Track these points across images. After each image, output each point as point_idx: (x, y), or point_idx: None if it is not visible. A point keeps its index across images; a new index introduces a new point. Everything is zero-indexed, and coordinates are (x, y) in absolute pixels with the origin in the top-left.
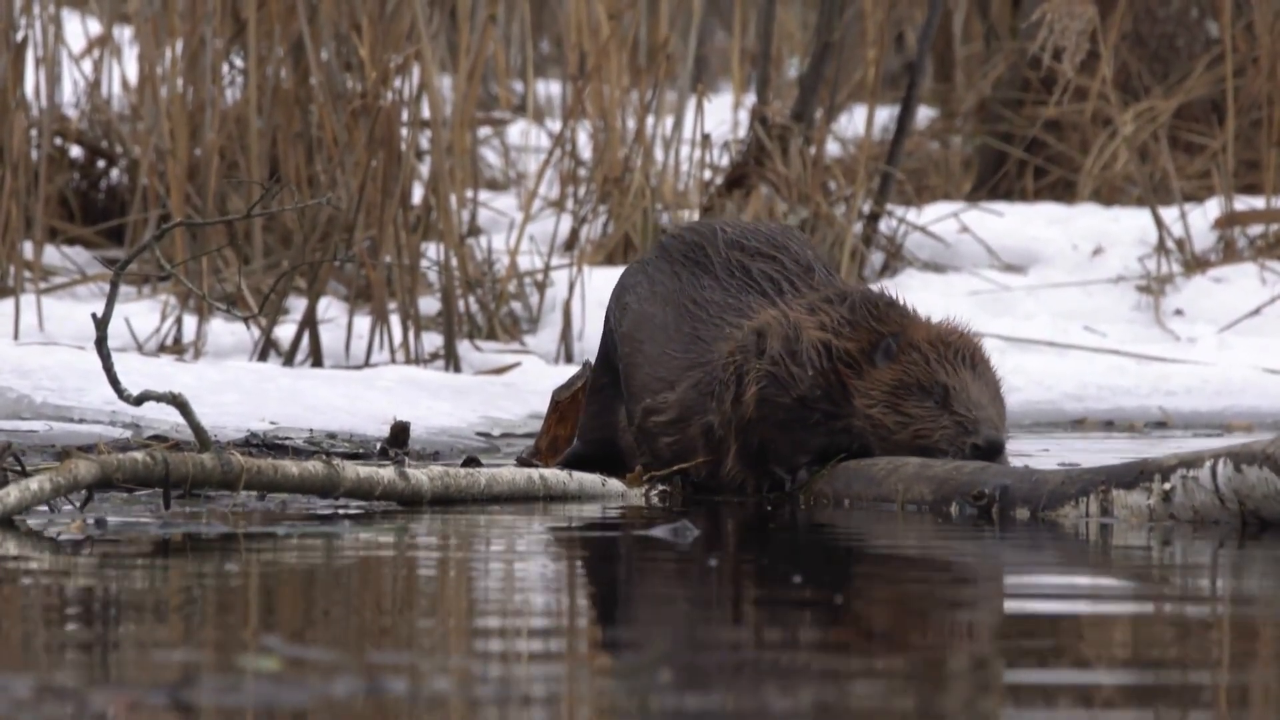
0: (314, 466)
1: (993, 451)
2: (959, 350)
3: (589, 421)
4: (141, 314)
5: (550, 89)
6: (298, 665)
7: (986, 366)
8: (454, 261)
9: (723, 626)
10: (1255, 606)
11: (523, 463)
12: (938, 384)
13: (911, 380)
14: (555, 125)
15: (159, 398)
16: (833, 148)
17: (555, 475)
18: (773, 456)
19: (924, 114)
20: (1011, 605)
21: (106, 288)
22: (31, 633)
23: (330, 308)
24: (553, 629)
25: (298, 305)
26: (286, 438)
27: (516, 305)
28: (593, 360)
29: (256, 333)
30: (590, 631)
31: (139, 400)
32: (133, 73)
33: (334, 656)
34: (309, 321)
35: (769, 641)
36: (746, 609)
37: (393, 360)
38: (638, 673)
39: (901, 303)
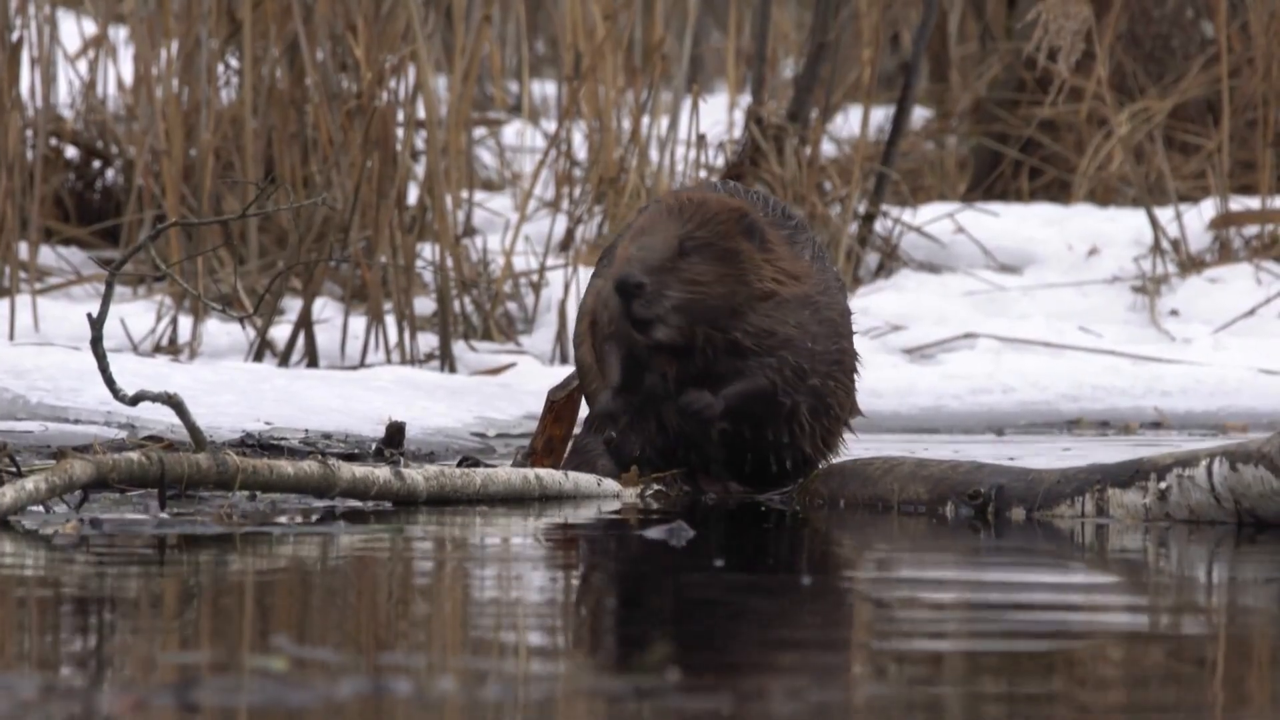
0: (310, 466)
1: (622, 291)
2: (670, 200)
3: None
4: (137, 314)
5: (545, 89)
6: (303, 665)
7: (700, 212)
8: (449, 262)
9: (720, 626)
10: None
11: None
12: (627, 230)
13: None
14: (550, 125)
15: (154, 398)
16: (828, 148)
17: (551, 475)
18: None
19: (919, 114)
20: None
21: (102, 288)
22: (32, 633)
23: (325, 308)
24: (551, 629)
25: (293, 306)
26: (282, 438)
27: (512, 306)
28: None
29: (252, 333)
30: (590, 631)
31: (134, 400)
32: (128, 73)
33: (339, 657)
34: (304, 322)
35: (768, 640)
36: (744, 610)
37: (388, 361)
38: (636, 673)
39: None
